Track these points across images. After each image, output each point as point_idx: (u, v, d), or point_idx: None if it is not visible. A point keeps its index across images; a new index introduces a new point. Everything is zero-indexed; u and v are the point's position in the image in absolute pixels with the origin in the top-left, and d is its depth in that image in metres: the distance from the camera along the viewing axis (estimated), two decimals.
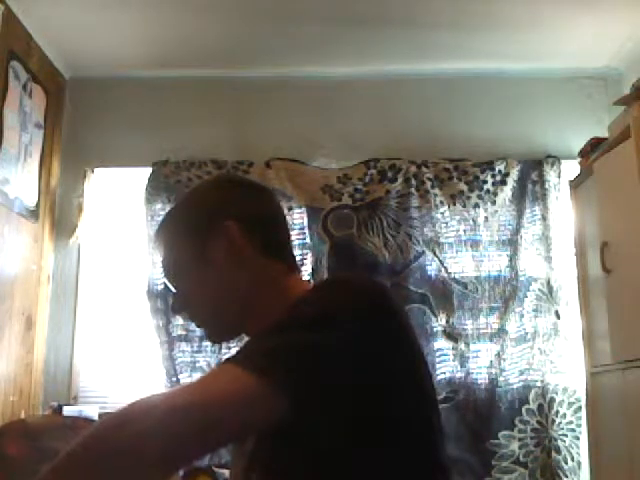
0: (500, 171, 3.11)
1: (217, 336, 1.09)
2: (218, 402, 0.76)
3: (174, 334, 2.96)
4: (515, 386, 2.94)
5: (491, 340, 2.97)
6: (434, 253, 3.03)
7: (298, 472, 0.86)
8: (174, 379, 2.93)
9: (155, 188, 3.07)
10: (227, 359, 0.83)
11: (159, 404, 0.75)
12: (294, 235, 3.03)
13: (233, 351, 2.79)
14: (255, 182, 1.17)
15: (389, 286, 2.95)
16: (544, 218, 3.07)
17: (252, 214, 1.05)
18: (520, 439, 2.88)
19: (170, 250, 1.06)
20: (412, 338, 0.93)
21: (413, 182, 3.09)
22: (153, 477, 0.74)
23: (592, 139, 2.84)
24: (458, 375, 2.94)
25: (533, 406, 2.91)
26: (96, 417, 2.70)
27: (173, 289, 1.09)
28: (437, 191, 3.09)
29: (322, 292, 0.93)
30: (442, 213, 3.07)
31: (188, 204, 1.10)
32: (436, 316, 2.97)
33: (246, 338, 1.05)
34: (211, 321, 1.06)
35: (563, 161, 3.14)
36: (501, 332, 2.97)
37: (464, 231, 3.07)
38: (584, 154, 2.90)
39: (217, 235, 1.01)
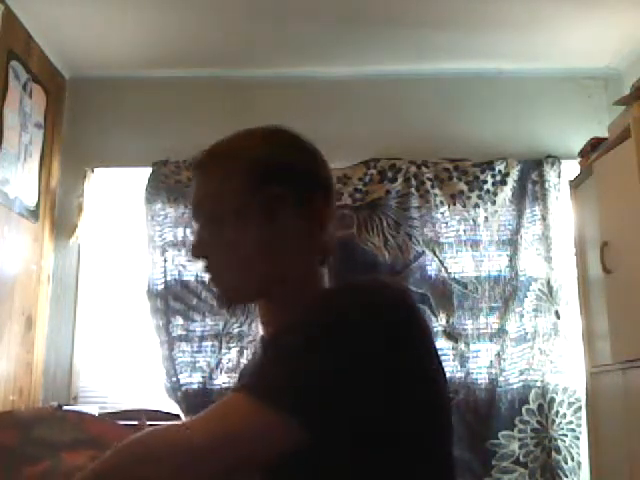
0: (500, 171, 3.11)
1: (229, 297, 0.99)
2: (241, 439, 0.75)
3: (174, 334, 2.96)
4: (515, 386, 2.94)
5: (491, 340, 2.97)
6: (434, 253, 3.03)
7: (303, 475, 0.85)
8: (174, 379, 2.93)
9: (155, 188, 3.07)
10: (241, 386, 0.81)
11: (181, 440, 0.75)
12: None
13: (233, 352, 2.76)
14: (311, 144, 1.06)
15: None
16: (544, 218, 3.07)
17: (327, 189, 0.99)
18: (520, 439, 2.88)
19: (217, 187, 0.96)
20: (431, 347, 0.89)
21: (413, 182, 3.09)
22: None
23: (592, 139, 2.84)
24: (458, 375, 2.94)
25: (533, 406, 2.91)
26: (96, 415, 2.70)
27: (198, 228, 0.99)
28: (437, 191, 3.09)
29: (339, 302, 0.86)
30: (442, 213, 3.07)
31: (241, 146, 1.00)
32: (436, 316, 2.97)
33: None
34: (230, 279, 0.96)
35: (563, 161, 3.14)
36: (501, 332, 2.97)
37: (464, 231, 3.07)
38: (584, 154, 2.90)
39: (264, 197, 0.93)
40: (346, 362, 0.79)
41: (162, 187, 3.07)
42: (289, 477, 0.84)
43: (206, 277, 1.00)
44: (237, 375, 2.89)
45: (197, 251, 0.97)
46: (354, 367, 0.79)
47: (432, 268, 3.03)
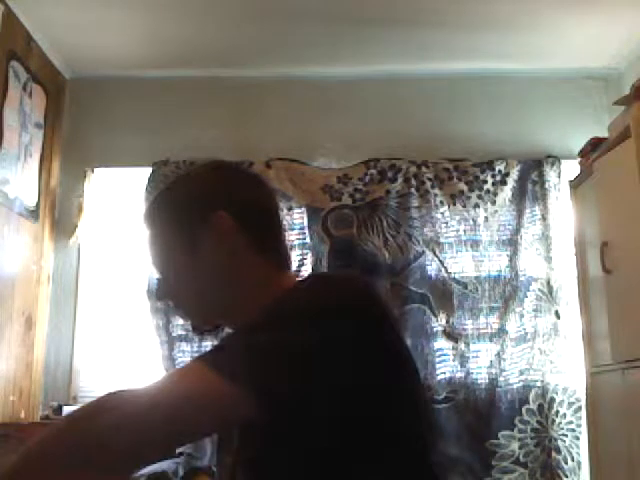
0: (500, 171, 3.11)
1: (199, 326, 1.09)
2: (184, 402, 0.76)
3: (174, 334, 2.96)
4: (515, 386, 2.94)
5: (491, 340, 2.97)
6: (434, 253, 3.03)
7: (281, 471, 0.87)
8: None
9: (155, 188, 3.06)
10: (198, 356, 0.82)
11: (130, 400, 0.77)
12: (294, 235, 3.03)
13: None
14: (249, 170, 1.13)
15: (389, 286, 2.96)
16: (544, 218, 3.07)
17: (245, 205, 1.02)
18: (520, 439, 2.88)
19: (157, 235, 1.03)
20: (394, 336, 0.91)
21: (413, 182, 3.09)
22: (117, 471, 0.74)
23: (592, 139, 2.84)
24: (458, 375, 2.94)
25: (533, 406, 2.91)
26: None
27: (158, 275, 1.07)
28: (437, 191, 3.09)
29: (300, 291, 0.92)
30: (442, 213, 3.07)
31: (179, 189, 1.06)
32: (436, 316, 2.97)
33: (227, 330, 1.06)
34: (194, 310, 1.05)
35: (563, 161, 3.14)
36: (501, 332, 2.97)
37: (464, 231, 3.07)
38: (584, 154, 2.90)
39: (207, 225, 0.98)
40: (309, 344, 0.80)
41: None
42: (265, 467, 0.87)
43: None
44: None
45: (161, 294, 1.08)
46: (318, 350, 0.80)
47: (432, 268, 3.03)
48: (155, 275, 0.97)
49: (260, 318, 0.86)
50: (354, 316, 0.85)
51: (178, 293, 1.04)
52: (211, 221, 0.98)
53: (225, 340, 0.88)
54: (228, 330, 1.06)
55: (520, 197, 3.10)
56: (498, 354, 2.96)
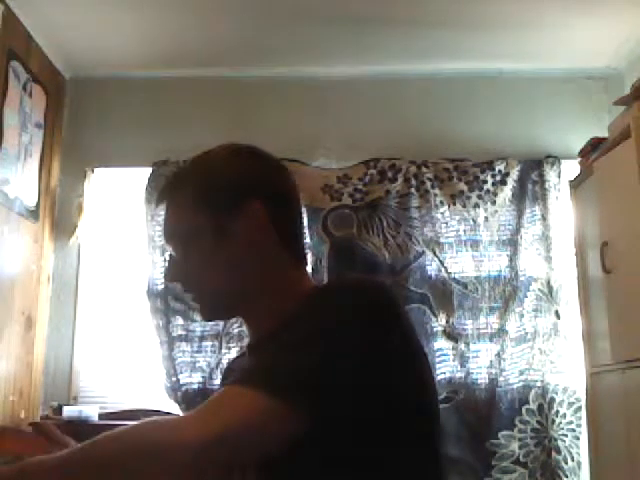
0: (500, 171, 3.11)
1: (210, 313, 1.04)
2: (242, 430, 0.75)
3: (174, 334, 2.96)
4: (515, 386, 2.93)
5: (491, 340, 2.97)
6: (434, 253, 3.03)
7: (297, 476, 0.85)
8: (174, 379, 2.93)
9: (155, 188, 3.06)
10: (234, 381, 0.82)
11: (180, 436, 0.74)
12: None
13: (233, 352, 2.77)
14: (276, 158, 1.08)
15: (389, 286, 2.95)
16: (544, 218, 3.07)
17: (278, 196, 1.01)
18: (520, 439, 2.88)
19: (183, 214, 0.99)
20: (415, 338, 0.93)
21: (413, 182, 3.09)
22: None
23: (592, 139, 2.84)
24: (458, 375, 2.94)
25: (533, 406, 2.91)
26: (96, 417, 2.70)
27: (172, 254, 1.04)
28: (437, 191, 3.09)
29: (325, 300, 0.91)
30: (442, 213, 3.07)
31: (211, 171, 1.01)
32: (436, 316, 2.97)
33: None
34: (208, 296, 1.01)
35: (563, 161, 3.14)
36: (501, 332, 2.97)
37: (464, 231, 3.07)
38: (584, 154, 2.90)
39: (241, 213, 0.96)
40: (344, 353, 0.81)
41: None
42: (283, 474, 0.85)
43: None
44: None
45: (171, 276, 1.03)
46: (351, 358, 0.81)
47: (432, 268, 3.02)
48: (166, 255, 0.94)
49: (289, 332, 0.86)
50: (379, 322, 0.86)
51: (192, 277, 1.00)
52: (245, 210, 0.97)
53: (259, 358, 0.88)
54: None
55: (520, 197, 3.10)
56: (498, 354, 2.96)
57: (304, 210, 3.05)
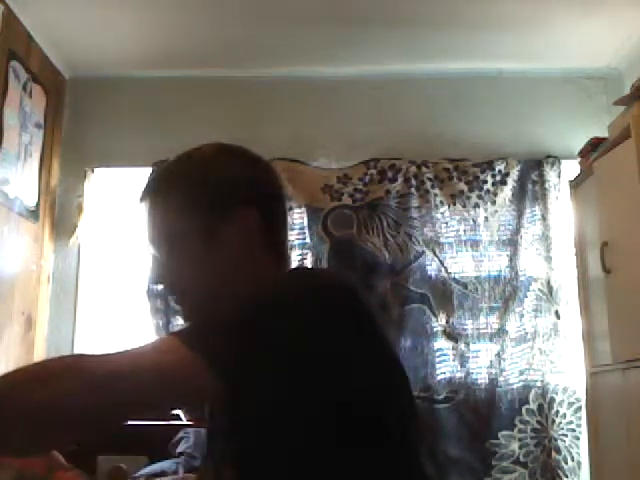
0: (500, 171, 3.11)
1: (192, 315, 1.00)
2: (147, 371, 0.75)
3: None
4: (515, 386, 2.94)
5: (491, 340, 2.97)
6: (434, 253, 3.03)
7: (267, 469, 0.86)
8: None
9: None
10: (173, 332, 0.82)
11: (90, 366, 0.75)
12: (294, 235, 3.03)
13: None
14: (264, 159, 1.05)
15: (389, 286, 2.96)
16: (544, 218, 3.07)
17: (270, 203, 0.99)
18: (520, 439, 2.88)
19: (168, 217, 0.97)
20: (373, 325, 0.88)
21: (413, 182, 3.09)
22: (71, 436, 0.74)
23: (592, 139, 2.84)
24: (458, 375, 2.94)
25: (533, 406, 2.91)
26: None
27: (155, 256, 1.00)
28: (437, 191, 3.09)
29: (278, 282, 0.90)
30: (442, 213, 3.07)
31: (199, 172, 0.98)
32: (436, 316, 2.97)
33: None
34: (191, 300, 0.98)
35: (563, 161, 3.14)
36: (501, 332, 2.97)
37: (464, 231, 3.07)
38: (584, 154, 2.90)
39: (233, 217, 0.95)
40: (277, 336, 0.78)
41: None
42: (251, 465, 0.86)
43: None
44: None
45: (155, 278, 1.02)
46: (283, 331, 0.78)
47: (432, 268, 3.03)
48: (149, 254, 0.90)
49: (238, 303, 0.84)
50: (329, 308, 0.82)
51: (176, 278, 0.98)
52: (238, 215, 0.95)
53: (204, 322, 0.87)
54: None
55: (520, 197, 3.10)
56: (498, 354, 2.96)
57: (304, 210, 3.07)
